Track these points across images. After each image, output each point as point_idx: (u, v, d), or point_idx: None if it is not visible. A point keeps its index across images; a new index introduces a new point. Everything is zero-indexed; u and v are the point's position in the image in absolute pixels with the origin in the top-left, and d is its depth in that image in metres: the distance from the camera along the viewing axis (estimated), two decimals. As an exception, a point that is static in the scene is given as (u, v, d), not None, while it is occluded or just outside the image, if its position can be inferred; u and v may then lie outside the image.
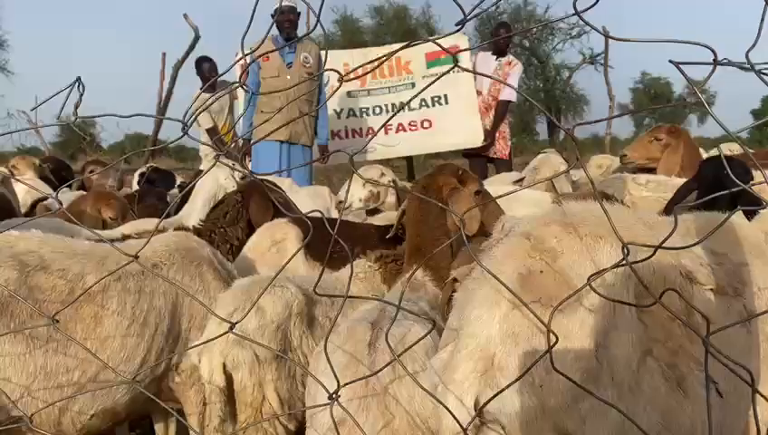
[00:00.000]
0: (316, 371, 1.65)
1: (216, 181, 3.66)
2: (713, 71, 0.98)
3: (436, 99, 7.99)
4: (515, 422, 1.17)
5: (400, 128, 8.07)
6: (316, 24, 1.36)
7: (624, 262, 0.97)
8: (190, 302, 2.34)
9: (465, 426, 1.08)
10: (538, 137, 23.67)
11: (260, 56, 6.40)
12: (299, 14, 6.76)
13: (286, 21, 6.55)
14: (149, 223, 3.34)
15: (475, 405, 1.18)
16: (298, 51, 6.64)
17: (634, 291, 1.27)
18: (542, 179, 4.36)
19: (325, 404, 1.13)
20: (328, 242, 2.96)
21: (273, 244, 2.92)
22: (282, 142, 6.54)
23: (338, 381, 1.13)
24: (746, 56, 0.96)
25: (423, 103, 8.05)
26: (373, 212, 4.04)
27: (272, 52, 6.56)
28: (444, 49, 1.44)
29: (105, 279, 2.12)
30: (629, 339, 1.25)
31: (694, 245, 0.99)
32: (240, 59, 5.76)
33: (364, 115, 8.08)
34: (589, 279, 1.01)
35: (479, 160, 7.83)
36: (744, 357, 1.50)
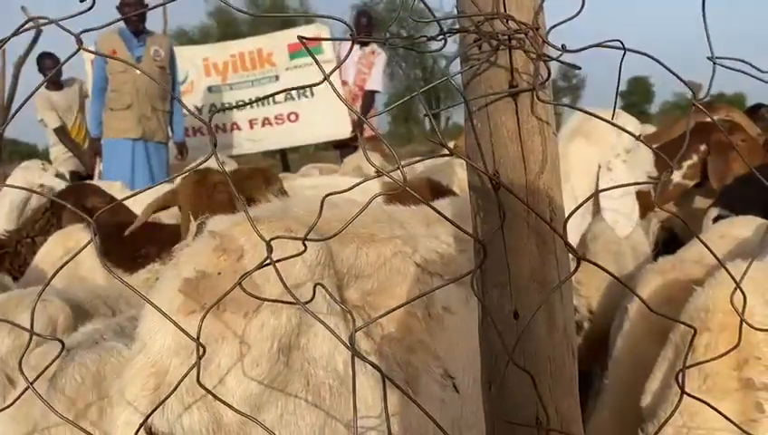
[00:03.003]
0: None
1: (25, 184, 3.35)
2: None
3: (301, 91, 7.87)
4: (192, 444, 1.07)
5: (266, 122, 7.90)
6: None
7: (268, 261, 0.89)
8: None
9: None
10: (424, 127, 24.10)
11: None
12: (146, 5, 6.42)
13: (132, 12, 6.20)
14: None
15: (148, 428, 1.08)
16: (148, 44, 6.30)
17: (334, 285, 1.21)
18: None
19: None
20: (128, 246, 2.78)
21: (66, 252, 2.70)
22: (134, 140, 6.21)
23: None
24: (386, 32, 0.91)
25: (289, 96, 7.91)
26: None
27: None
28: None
29: None
30: (332, 339, 1.18)
31: (329, 236, 0.93)
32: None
33: (227, 110, 7.83)
34: (239, 280, 0.93)
35: (349, 151, 7.80)
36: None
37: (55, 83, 7.26)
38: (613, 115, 1.01)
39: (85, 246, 0.99)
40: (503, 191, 0.90)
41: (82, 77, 7.68)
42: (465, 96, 0.95)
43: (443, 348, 1.32)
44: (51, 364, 1.02)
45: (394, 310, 0.92)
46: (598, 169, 2.30)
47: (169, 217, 3.31)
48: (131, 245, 2.71)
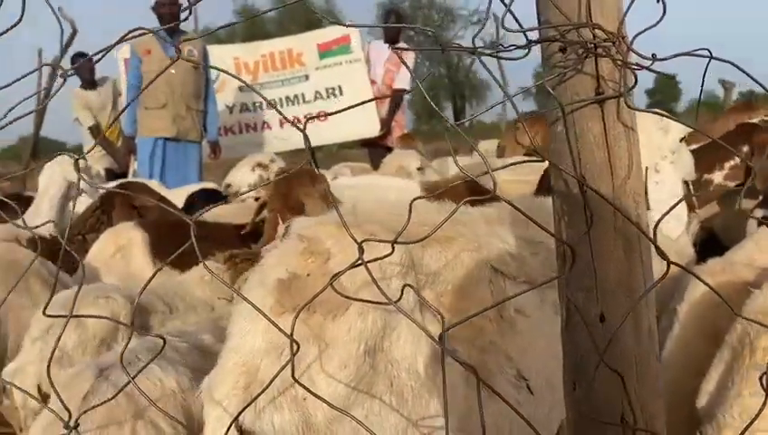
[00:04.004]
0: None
1: (63, 179, 3.40)
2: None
3: (330, 90, 7.93)
4: (280, 441, 1.11)
5: (296, 121, 7.95)
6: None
7: (360, 262, 0.93)
8: (17, 317, 2.19)
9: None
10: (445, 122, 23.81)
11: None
12: (181, 5, 6.51)
13: (168, 13, 6.30)
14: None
15: (239, 425, 1.12)
16: (182, 44, 6.39)
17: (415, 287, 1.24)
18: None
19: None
20: (178, 245, 2.84)
21: (117, 250, 2.77)
22: (168, 139, 6.30)
23: (69, 413, 1.04)
24: (473, 41, 0.93)
25: (318, 95, 7.97)
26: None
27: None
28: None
29: None
30: (414, 341, 1.21)
31: (420, 240, 0.96)
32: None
33: (258, 109, 7.91)
34: (331, 280, 0.96)
35: (377, 150, 7.83)
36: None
37: (90, 83, 7.40)
38: (696, 117, 1.02)
39: (181, 250, 1.03)
40: (589, 196, 0.92)
41: (115, 76, 7.81)
42: (550, 102, 0.98)
43: (515, 350, 1.34)
44: (153, 359, 1.06)
45: (481, 312, 0.94)
46: (645, 171, 2.31)
47: (213, 216, 3.37)
48: (181, 243, 2.76)
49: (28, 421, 1.91)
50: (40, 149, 12.12)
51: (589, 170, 0.94)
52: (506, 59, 0.99)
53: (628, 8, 0.96)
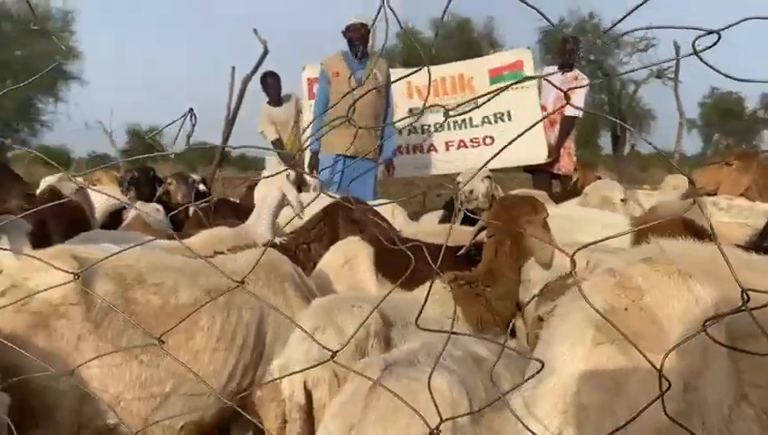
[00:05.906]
0: None
1: (278, 189, 3.70)
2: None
3: (499, 115, 7.98)
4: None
5: (462, 144, 8.12)
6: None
7: (743, 308, 0.98)
8: (274, 317, 2.43)
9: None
10: (601, 150, 23.21)
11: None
12: (369, 30, 6.87)
13: (357, 37, 6.67)
14: (222, 233, 3.38)
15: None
16: (368, 67, 6.74)
17: (726, 332, 1.27)
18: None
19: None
20: (399, 261, 3.01)
21: (345, 261, 3.00)
22: (348, 156, 6.66)
23: (440, 417, 1.17)
24: None
25: (485, 120, 8.05)
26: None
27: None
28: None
29: (196, 294, 2.22)
30: (722, 381, 1.25)
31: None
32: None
33: (425, 132, 8.14)
34: (704, 324, 1.03)
35: (543, 176, 7.78)
36: None
37: (276, 100, 8.00)
38: None
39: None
40: None
41: (298, 93, 8.39)
42: None
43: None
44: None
45: None
46: None
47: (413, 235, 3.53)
48: (403, 259, 2.93)
49: (293, 413, 2.12)
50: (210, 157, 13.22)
51: None
52: None
53: None
